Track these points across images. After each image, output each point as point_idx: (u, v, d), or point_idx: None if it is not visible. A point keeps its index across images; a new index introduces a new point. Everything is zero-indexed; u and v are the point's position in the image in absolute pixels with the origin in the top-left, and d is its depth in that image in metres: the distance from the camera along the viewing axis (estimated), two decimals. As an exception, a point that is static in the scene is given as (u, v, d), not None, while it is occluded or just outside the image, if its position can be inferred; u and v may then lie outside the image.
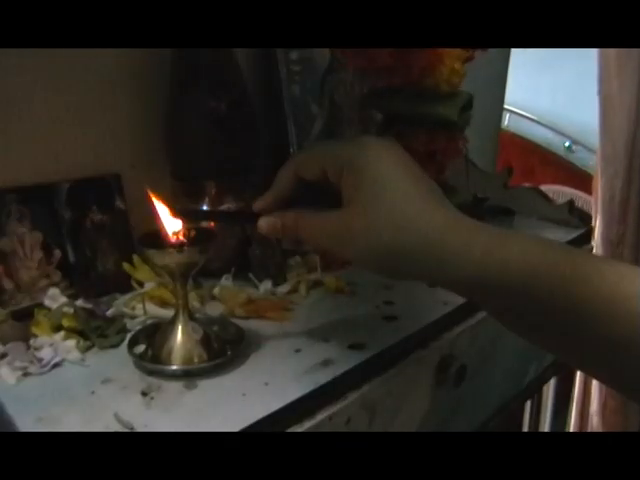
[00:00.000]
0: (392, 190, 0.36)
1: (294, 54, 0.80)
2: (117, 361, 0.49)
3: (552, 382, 1.02)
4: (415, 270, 0.36)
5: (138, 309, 0.56)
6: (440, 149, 0.72)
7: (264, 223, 0.42)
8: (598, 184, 1.20)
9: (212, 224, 0.52)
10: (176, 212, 0.45)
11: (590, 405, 1.25)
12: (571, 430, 1.25)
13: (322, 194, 0.40)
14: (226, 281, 0.63)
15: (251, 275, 0.63)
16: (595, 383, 1.24)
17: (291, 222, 0.40)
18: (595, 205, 1.22)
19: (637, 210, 1.14)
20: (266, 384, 0.46)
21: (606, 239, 1.15)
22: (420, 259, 0.35)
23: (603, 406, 1.22)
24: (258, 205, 0.42)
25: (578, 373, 1.22)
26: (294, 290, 0.63)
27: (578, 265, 0.32)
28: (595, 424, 1.23)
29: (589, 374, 0.39)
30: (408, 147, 0.39)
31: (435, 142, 0.71)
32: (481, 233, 0.35)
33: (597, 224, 1.15)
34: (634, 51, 1.08)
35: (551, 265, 0.32)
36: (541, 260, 0.33)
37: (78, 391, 0.45)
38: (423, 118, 0.71)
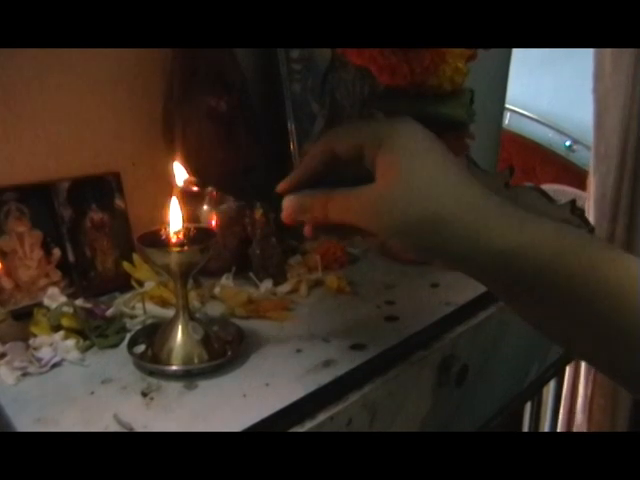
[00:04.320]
0: (431, 163, 0.37)
1: (295, 53, 0.79)
2: (117, 361, 0.49)
3: (552, 383, 1.02)
4: (450, 240, 0.36)
5: (138, 309, 0.56)
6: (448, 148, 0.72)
7: (291, 202, 0.40)
8: (591, 182, 1.20)
9: (215, 221, 0.52)
10: (192, 182, 0.45)
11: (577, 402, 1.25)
12: (559, 427, 1.24)
13: (342, 180, 0.39)
14: (226, 281, 0.62)
15: (251, 274, 0.63)
16: (582, 381, 1.24)
17: (320, 200, 0.38)
18: (588, 202, 1.22)
19: (628, 209, 1.14)
20: (267, 385, 0.45)
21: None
22: (457, 227, 0.35)
23: (590, 404, 1.22)
24: (283, 185, 0.40)
25: (567, 370, 1.22)
26: (295, 290, 0.62)
27: (595, 252, 0.33)
28: (579, 421, 1.23)
29: (590, 363, 0.39)
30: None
31: (444, 142, 0.71)
32: (515, 207, 0.36)
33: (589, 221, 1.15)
34: (629, 51, 1.08)
35: (575, 249, 0.33)
36: (567, 242, 0.34)
37: (77, 391, 0.45)
38: (431, 119, 0.71)
